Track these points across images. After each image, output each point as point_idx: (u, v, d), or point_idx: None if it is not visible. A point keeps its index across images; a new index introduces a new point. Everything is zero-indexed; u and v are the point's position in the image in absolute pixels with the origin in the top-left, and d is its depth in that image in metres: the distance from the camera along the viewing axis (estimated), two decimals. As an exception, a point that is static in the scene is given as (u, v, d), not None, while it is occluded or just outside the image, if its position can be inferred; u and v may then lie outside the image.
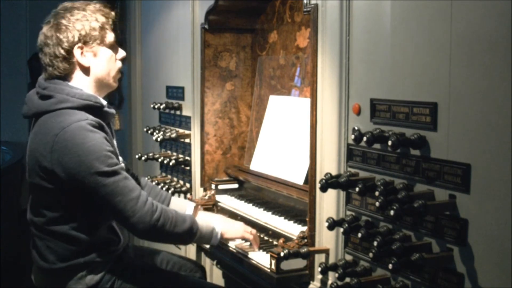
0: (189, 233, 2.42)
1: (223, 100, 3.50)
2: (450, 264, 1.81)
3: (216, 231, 2.55)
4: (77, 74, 2.42)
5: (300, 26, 3.09)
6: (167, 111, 4.01)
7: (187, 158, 3.77)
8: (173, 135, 3.75)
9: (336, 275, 2.16)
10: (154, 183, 3.94)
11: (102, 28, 2.41)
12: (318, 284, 2.43)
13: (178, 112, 3.94)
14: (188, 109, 3.76)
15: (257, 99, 3.46)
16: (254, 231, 2.73)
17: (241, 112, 3.55)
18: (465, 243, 1.76)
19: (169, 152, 4.10)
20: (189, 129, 3.76)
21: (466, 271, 1.76)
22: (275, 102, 3.23)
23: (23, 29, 7.00)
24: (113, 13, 2.50)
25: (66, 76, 2.41)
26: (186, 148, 3.80)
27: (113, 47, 2.48)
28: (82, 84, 2.41)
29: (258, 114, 3.42)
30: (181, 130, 3.85)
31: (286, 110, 3.11)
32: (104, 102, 2.45)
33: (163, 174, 4.18)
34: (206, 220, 2.58)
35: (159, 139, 3.78)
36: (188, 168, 3.77)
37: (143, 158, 4.03)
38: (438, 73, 1.84)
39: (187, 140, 3.80)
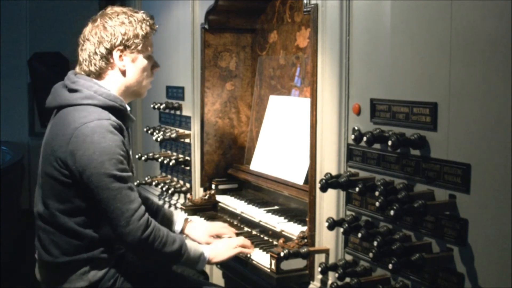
0: (176, 254, 2.42)
1: (223, 100, 3.50)
2: (450, 264, 1.81)
3: (204, 256, 2.53)
4: (111, 75, 2.47)
5: (300, 26, 3.09)
6: (167, 111, 4.01)
7: (187, 158, 3.77)
8: (173, 135, 3.75)
9: (336, 275, 2.16)
10: (154, 183, 3.95)
11: (145, 37, 2.48)
12: (318, 284, 2.43)
13: (178, 112, 3.94)
14: (188, 109, 3.76)
15: (257, 99, 3.46)
16: (240, 241, 2.68)
17: (241, 112, 3.55)
18: (465, 243, 1.76)
19: (169, 152, 4.10)
20: (189, 129, 3.76)
21: (466, 271, 1.76)
22: (275, 102, 3.23)
23: (23, 29, 7.00)
24: (157, 26, 2.57)
25: (100, 74, 2.47)
26: (186, 148, 3.80)
27: (151, 58, 2.55)
28: (112, 86, 2.47)
29: (258, 114, 3.42)
30: (181, 130, 3.84)
31: (286, 110, 3.11)
32: (128, 107, 2.50)
33: (163, 174, 4.18)
34: (196, 244, 2.57)
35: (159, 139, 3.78)
36: (188, 168, 3.77)
37: (143, 158, 4.03)
38: (438, 73, 1.84)
39: (187, 140, 3.80)
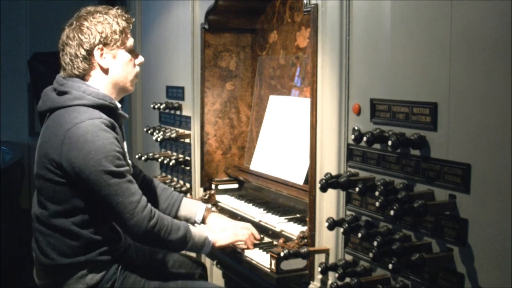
0: (182, 241, 2.47)
1: (223, 100, 3.50)
2: (450, 264, 1.81)
3: (209, 240, 2.58)
4: (95, 74, 2.48)
5: (300, 26, 3.09)
6: (167, 111, 4.01)
7: (187, 158, 3.77)
8: (173, 135, 3.75)
9: (336, 275, 2.16)
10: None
11: (122, 32, 2.49)
12: (318, 284, 2.43)
13: (178, 112, 3.94)
14: (188, 109, 3.76)
15: (257, 99, 3.46)
16: (249, 232, 2.72)
17: (241, 112, 3.55)
18: (465, 243, 1.76)
19: (169, 152, 4.10)
20: (189, 129, 3.76)
21: (466, 271, 1.76)
22: (275, 102, 3.23)
23: (23, 29, 7.01)
24: (133, 19, 2.59)
25: (84, 76, 2.48)
26: (186, 148, 3.80)
27: (132, 51, 2.57)
28: (99, 85, 2.48)
29: (258, 114, 3.42)
30: (181, 130, 3.85)
31: (286, 110, 3.11)
32: (119, 105, 2.52)
33: (163, 174, 4.18)
34: (200, 230, 2.61)
35: (159, 139, 3.78)
36: (188, 168, 3.77)
37: (143, 158, 4.03)
38: (438, 73, 1.84)
39: (187, 140, 3.80)
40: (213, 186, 3.45)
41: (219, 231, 2.70)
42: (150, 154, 4.02)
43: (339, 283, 2.13)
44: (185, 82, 3.80)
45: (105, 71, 2.48)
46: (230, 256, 2.79)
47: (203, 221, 2.84)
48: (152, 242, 2.43)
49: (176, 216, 2.83)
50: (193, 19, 3.59)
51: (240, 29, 3.50)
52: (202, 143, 3.48)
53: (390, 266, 1.82)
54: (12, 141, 6.82)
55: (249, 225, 2.82)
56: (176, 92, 3.96)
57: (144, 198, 2.37)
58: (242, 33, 3.51)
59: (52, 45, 7.06)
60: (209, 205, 2.92)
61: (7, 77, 6.96)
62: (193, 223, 2.83)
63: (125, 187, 2.31)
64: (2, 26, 6.85)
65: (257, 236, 2.79)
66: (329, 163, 2.34)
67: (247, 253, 2.67)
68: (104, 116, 2.37)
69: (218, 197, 3.38)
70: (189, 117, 3.76)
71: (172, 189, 2.97)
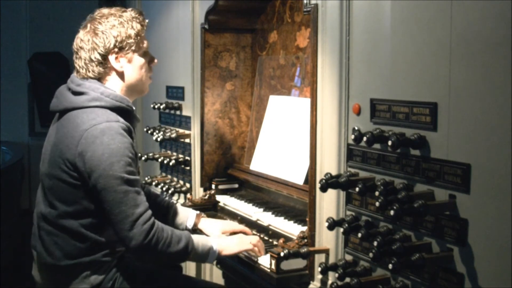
0: (183, 253, 2.40)
1: (223, 100, 3.50)
2: (450, 264, 1.81)
3: (214, 250, 2.50)
4: (111, 78, 2.48)
5: (300, 26, 3.09)
6: (167, 111, 4.01)
7: (187, 158, 3.77)
8: (173, 135, 3.75)
9: (336, 275, 2.16)
10: (154, 183, 3.95)
11: (137, 35, 2.47)
12: (318, 284, 2.43)
13: (178, 112, 3.94)
14: (188, 109, 3.76)
15: (257, 99, 3.46)
16: (255, 239, 2.63)
17: (241, 112, 3.55)
18: (465, 243, 1.76)
19: (169, 152, 4.10)
20: (189, 129, 3.76)
21: (466, 271, 1.76)
22: (275, 102, 3.23)
23: (23, 29, 7.00)
24: (147, 21, 2.57)
25: (99, 79, 2.47)
26: (186, 148, 3.81)
27: (146, 54, 2.55)
28: (115, 87, 2.48)
29: (258, 114, 3.42)
30: (181, 130, 3.85)
31: (286, 110, 3.11)
32: (134, 107, 2.51)
33: (163, 174, 4.18)
34: (204, 239, 2.54)
35: (159, 139, 3.79)
36: (188, 168, 3.77)
37: (143, 158, 4.03)
38: (438, 73, 1.84)
39: (187, 140, 3.80)
40: (213, 186, 3.45)
41: (225, 238, 2.65)
42: (150, 154, 4.02)
43: (339, 283, 2.13)
44: (185, 82, 3.80)
45: (121, 75, 2.48)
46: (230, 256, 2.79)
47: (194, 227, 2.83)
48: (149, 255, 2.33)
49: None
50: (193, 19, 3.59)
51: (240, 29, 3.50)
52: (202, 143, 3.48)
53: (390, 266, 1.82)
54: (12, 141, 6.82)
55: (256, 236, 2.74)
56: (176, 92, 3.96)
57: (148, 212, 2.31)
58: (242, 33, 3.51)
59: (52, 45, 7.06)
60: (198, 212, 2.90)
61: (7, 77, 6.95)
62: (185, 229, 2.81)
63: (131, 196, 2.27)
64: (2, 26, 6.84)
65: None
66: (329, 163, 2.34)
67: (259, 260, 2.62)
68: (121, 120, 2.36)
69: (218, 197, 3.38)
70: (189, 117, 3.76)
71: (164, 196, 2.95)
